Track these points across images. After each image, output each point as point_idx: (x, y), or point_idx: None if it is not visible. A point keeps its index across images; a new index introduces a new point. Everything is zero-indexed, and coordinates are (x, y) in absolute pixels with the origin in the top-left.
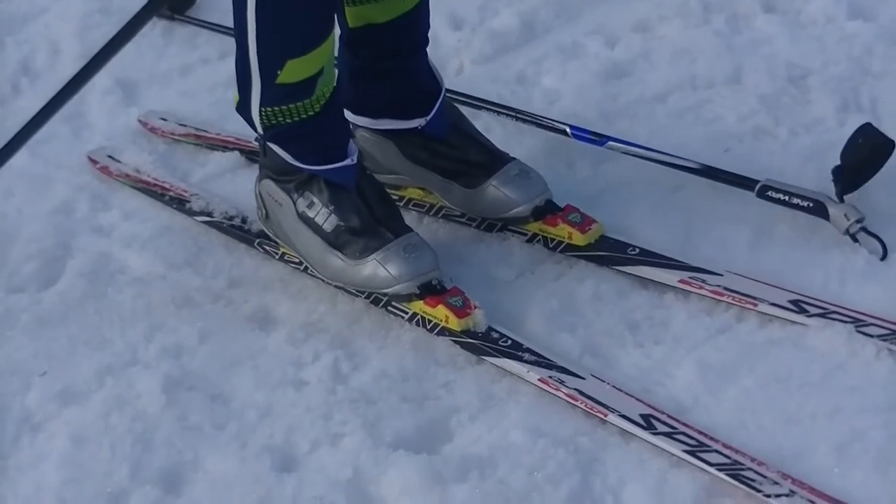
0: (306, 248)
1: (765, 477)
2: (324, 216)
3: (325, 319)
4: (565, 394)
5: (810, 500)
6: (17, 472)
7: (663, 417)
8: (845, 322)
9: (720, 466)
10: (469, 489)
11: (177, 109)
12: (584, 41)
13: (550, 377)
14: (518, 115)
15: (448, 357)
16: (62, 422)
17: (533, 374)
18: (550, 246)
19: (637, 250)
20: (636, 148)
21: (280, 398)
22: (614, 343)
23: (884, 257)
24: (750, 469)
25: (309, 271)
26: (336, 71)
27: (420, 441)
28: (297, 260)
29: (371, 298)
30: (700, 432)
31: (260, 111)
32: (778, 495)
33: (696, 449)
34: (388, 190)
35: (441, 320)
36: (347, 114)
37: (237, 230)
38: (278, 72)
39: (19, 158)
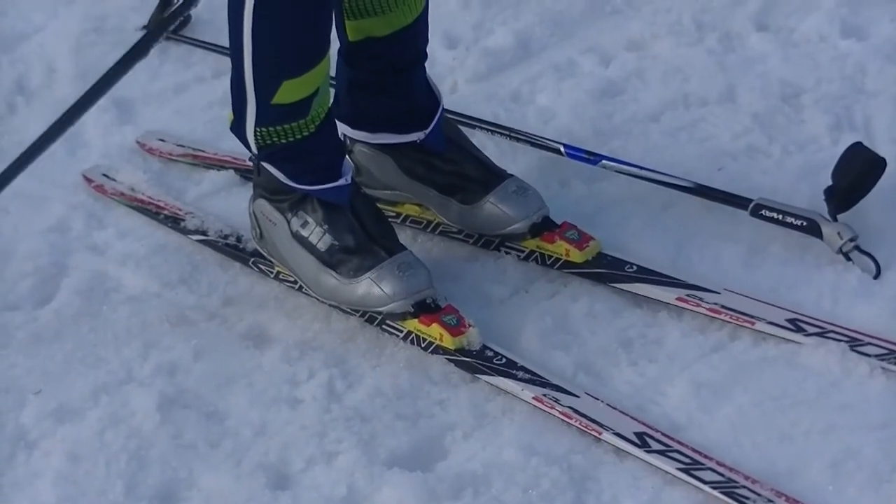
0: (300, 267)
1: (759, 495)
2: (318, 235)
3: (320, 338)
4: (559, 412)
5: None
6: (12, 490)
7: (657, 435)
8: (840, 341)
9: (714, 484)
10: None
11: (172, 128)
12: (578, 60)
13: (545, 395)
14: (512, 134)
15: (442, 375)
16: (57, 439)
17: (527, 393)
18: (548, 263)
19: (634, 268)
20: (630, 167)
21: (274, 416)
22: (608, 361)
23: (877, 276)
24: (744, 487)
25: (303, 290)
26: (331, 91)
27: (414, 459)
28: (291, 278)
29: (366, 317)
30: (694, 450)
31: (255, 131)
32: None
33: (690, 467)
34: (384, 206)
35: (435, 339)
36: (345, 128)
37: (232, 249)
38: (274, 93)
39: None
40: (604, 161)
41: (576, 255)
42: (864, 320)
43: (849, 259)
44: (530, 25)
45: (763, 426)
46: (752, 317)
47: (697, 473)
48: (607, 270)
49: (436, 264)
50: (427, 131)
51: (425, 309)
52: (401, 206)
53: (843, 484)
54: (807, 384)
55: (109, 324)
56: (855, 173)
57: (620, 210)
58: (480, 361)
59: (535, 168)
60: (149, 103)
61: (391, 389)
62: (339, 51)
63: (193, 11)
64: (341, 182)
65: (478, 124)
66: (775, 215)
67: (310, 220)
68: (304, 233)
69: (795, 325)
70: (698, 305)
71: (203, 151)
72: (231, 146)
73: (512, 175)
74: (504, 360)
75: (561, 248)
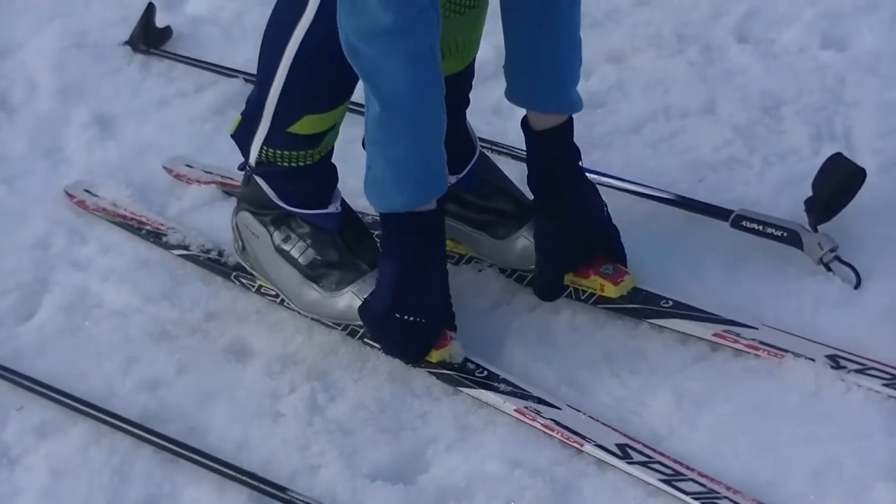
0: (282, 280)
1: None
2: (300, 249)
3: (302, 351)
4: (541, 424)
5: None
6: None
7: (639, 447)
8: (879, 377)
9: (696, 495)
10: None
11: (155, 143)
12: None
13: (527, 407)
14: (494, 147)
15: (424, 388)
16: (40, 455)
17: (509, 405)
18: (581, 298)
19: (670, 303)
20: (611, 178)
21: (257, 430)
22: (590, 373)
23: (857, 286)
24: (726, 497)
25: (285, 304)
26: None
27: (397, 471)
28: (273, 292)
29: (347, 330)
30: (676, 461)
31: (261, 148)
32: None
33: (672, 478)
34: None
35: None
36: None
37: (214, 263)
38: (293, 122)
39: None
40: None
41: (610, 290)
42: (845, 330)
43: (829, 269)
44: None
45: (744, 436)
46: (790, 353)
47: (679, 484)
48: (642, 306)
49: None
50: (460, 176)
51: None
52: None
53: (824, 493)
54: (788, 395)
55: (91, 339)
56: (835, 184)
57: None
58: (462, 374)
59: (517, 181)
60: (131, 118)
61: (373, 402)
62: None
63: (175, 27)
64: (330, 210)
65: None
66: (756, 226)
67: (293, 235)
68: (287, 246)
69: (835, 361)
70: (735, 341)
71: (231, 179)
72: (213, 160)
73: None
74: (486, 372)
75: (595, 282)
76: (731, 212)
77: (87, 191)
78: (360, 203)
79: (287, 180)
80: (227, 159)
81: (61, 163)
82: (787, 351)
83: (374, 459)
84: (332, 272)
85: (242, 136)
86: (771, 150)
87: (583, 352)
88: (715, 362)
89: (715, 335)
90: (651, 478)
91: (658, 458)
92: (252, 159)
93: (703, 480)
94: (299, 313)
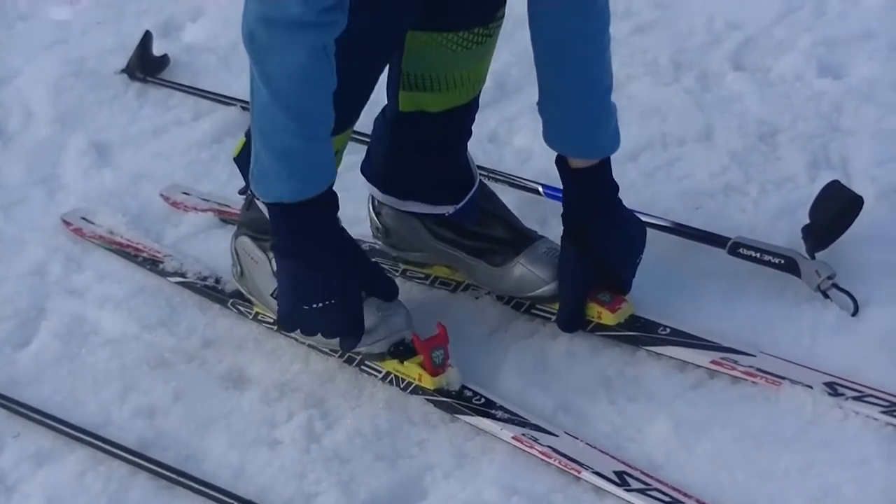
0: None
1: None
2: None
3: (299, 379)
4: (539, 451)
5: None
6: None
7: (637, 474)
8: (876, 405)
9: None
10: None
11: (151, 171)
12: None
13: (524, 435)
14: (490, 175)
15: (421, 415)
16: (36, 483)
17: (506, 432)
18: None
19: (668, 330)
20: None
21: (254, 458)
22: (587, 400)
23: (855, 313)
24: None
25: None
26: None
27: (394, 499)
28: (270, 319)
29: (344, 357)
30: (674, 488)
31: None
32: None
33: None
34: (413, 268)
35: (414, 379)
36: (374, 190)
37: (211, 290)
38: None
39: None
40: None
41: (608, 318)
42: (843, 357)
43: (827, 297)
44: (506, 66)
45: (742, 463)
46: (788, 380)
47: None
48: (640, 333)
49: (415, 304)
50: (458, 206)
51: (403, 349)
52: (430, 267)
53: None
54: (786, 421)
55: (88, 367)
56: (832, 212)
57: None
58: (459, 401)
59: (513, 207)
60: (128, 146)
61: (370, 430)
62: (384, 114)
63: (172, 55)
64: None
65: None
66: (753, 253)
67: None
68: None
69: (833, 388)
70: (733, 368)
71: (228, 207)
72: (210, 188)
73: (543, 237)
74: (483, 399)
75: (593, 310)
76: (729, 239)
77: (83, 218)
78: (357, 230)
79: None
80: (224, 187)
81: (58, 190)
82: (784, 378)
83: (371, 487)
84: None
85: (245, 160)
86: (768, 177)
87: (580, 379)
88: (712, 389)
89: (712, 362)
90: None
91: (656, 485)
92: None
93: None
94: (296, 340)
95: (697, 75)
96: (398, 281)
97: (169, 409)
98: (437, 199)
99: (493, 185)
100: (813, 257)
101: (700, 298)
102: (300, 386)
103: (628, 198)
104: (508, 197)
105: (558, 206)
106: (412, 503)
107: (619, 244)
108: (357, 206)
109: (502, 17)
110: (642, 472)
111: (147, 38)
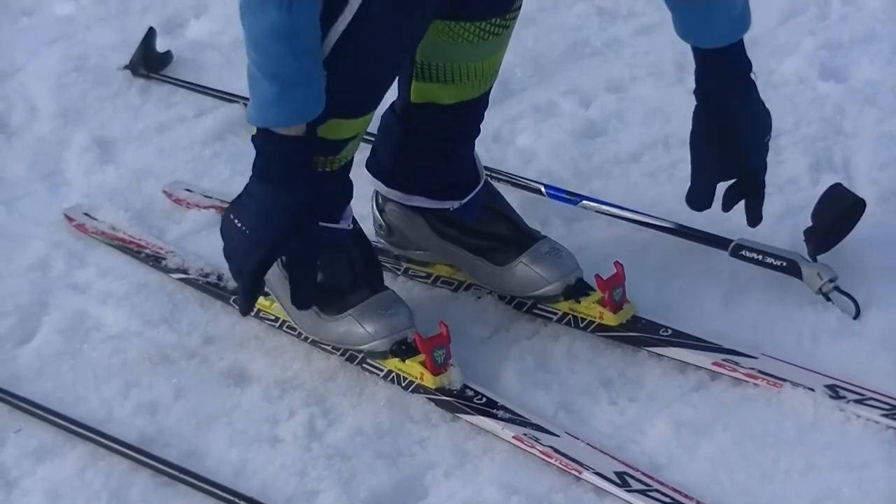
0: (284, 298)
1: None
2: None
3: (301, 376)
4: (540, 451)
5: None
6: None
7: (637, 475)
8: (878, 408)
9: None
10: None
11: (154, 168)
12: (558, 101)
13: (525, 434)
14: (493, 174)
15: (423, 414)
16: (37, 478)
17: (507, 432)
18: (580, 326)
19: (669, 331)
20: (610, 207)
21: (255, 455)
22: (588, 400)
23: (856, 316)
24: None
25: (284, 328)
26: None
27: (395, 498)
28: (272, 317)
29: (346, 355)
30: (674, 489)
31: None
32: None
33: None
34: (416, 267)
35: (416, 378)
36: (378, 184)
37: (213, 287)
38: (319, 125)
39: None
40: (584, 201)
41: (609, 318)
42: (844, 360)
43: (829, 299)
44: (510, 66)
45: (743, 465)
46: (789, 382)
47: None
48: (641, 334)
49: (416, 304)
50: (462, 202)
51: (405, 348)
52: (432, 266)
53: None
54: (787, 423)
55: (90, 363)
56: (834, 214)
57: (600, 250)
58: (461, 401)
59: (516, 207)
60: (131, 143)
61: (371, 428)
62: (393, 107)
63: (176, 51)
64: (341, 226)
65: None
66: (755, 256)
67: None
68: None
69: (834, 391)
70: (734, 370)
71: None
72: (213, 186)
73: (545, 236)
74: (484, 399)
75: (594, 310)
76: (731, 241)
77: (86, 214)
78: (367, 227)
79: None
80: (227, 184)
81: (61, 186)
82: (785, 380)
83: (371, 485)
84: (334, 295)
85: None
86: (770, 179)
87: (581, 379)
88: (714, 391)
89: (714, 364)
90: None
91: (657, 486)
92: None
93: None
94: (298, 338)
95: None
96: (400, 280)
97: (170, 406)
98: (442, 195)
99: (495, 185)
100: (815, 260)
101: (702, 300)
102: (302, 383)
103: (631, 199)
104: (511, 197)
105: (560, 207)
106: (413, 501)
107: (755, 123)
108: (360, 204)
109: (519, 7)
110: (643, 473)
111: (150, 34)
